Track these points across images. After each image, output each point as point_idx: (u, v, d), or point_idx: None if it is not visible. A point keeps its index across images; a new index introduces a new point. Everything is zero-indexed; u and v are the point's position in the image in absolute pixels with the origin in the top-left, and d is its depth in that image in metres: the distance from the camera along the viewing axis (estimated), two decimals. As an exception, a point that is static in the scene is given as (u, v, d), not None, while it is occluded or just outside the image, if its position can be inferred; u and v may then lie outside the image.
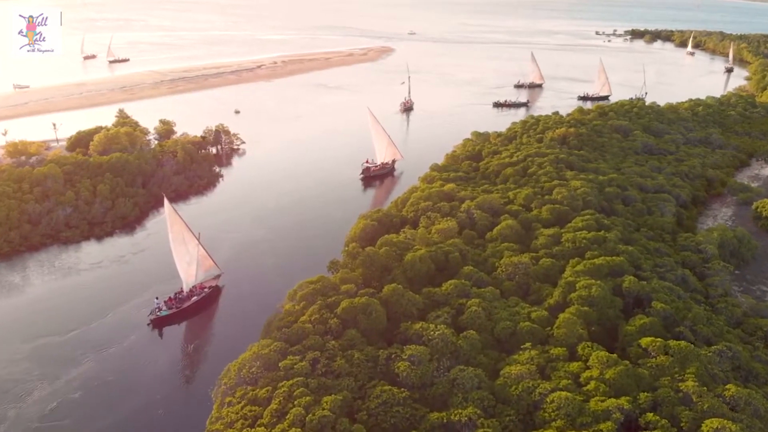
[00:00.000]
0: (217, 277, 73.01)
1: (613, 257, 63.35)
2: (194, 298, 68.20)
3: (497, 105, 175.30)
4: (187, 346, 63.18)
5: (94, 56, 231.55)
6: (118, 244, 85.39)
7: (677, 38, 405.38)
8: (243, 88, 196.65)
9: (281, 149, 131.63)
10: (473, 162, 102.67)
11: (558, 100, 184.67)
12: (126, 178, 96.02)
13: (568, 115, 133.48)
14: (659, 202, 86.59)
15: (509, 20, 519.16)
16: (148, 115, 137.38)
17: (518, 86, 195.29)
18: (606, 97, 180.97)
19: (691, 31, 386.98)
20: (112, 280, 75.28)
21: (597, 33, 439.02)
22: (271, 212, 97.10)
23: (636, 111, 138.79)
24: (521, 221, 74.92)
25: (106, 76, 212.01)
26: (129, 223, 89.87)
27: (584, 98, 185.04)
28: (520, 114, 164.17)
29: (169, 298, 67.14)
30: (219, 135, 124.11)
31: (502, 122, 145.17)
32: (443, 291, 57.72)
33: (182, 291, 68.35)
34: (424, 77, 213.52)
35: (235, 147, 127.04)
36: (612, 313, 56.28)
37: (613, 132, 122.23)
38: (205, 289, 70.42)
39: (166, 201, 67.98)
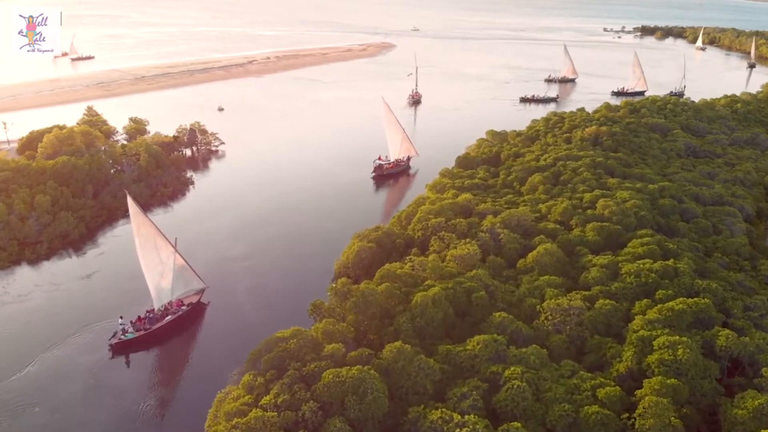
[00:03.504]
0: (200, 292, 60.32)
1: (696, 299, 46.67)
2: (168, 318, 55.98)
3: (525, 100, 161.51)
4: (140, 395, 47.70)
5: (65, 54, 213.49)
6: (55, 269, 68.79)
7: (690, 35, 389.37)
8: (231, 84, 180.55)
9: (268, 150, 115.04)
10: (491, 166, 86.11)
11: (589, 95, 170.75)
12: (73, 188, 79.37)
13: (596, 111, 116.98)
14: (724, 217, 69.99)
15: (509, 18, 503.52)
16: (122, 113, 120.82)
17: (549, 80, 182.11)
18: (642, 93, 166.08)
19: (703, 28, 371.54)
20: (43, 316, 59.15)
21: (605, 30, 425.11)
22: (254, 224, 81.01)
23: (670, 108, 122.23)
24: (562, 244, 58.30)
25: (82, 72, 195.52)
26: (72, 243, 73.11)
27: (618, 93, 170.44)
28: (542, 110, 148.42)
29: (138, 317, 54.86)
30: (194, 134, 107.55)
31: (518, 119, 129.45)
32: (468, 352, 41.04)
33: (153, 310, 55.98)
34: (429, 71, 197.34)
35: (213, 148, 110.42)
36: (707, 385, 39.65)
37: (650, 131, 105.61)
38: (183, 307, 57.79)
39: (129, 200, 54.45)
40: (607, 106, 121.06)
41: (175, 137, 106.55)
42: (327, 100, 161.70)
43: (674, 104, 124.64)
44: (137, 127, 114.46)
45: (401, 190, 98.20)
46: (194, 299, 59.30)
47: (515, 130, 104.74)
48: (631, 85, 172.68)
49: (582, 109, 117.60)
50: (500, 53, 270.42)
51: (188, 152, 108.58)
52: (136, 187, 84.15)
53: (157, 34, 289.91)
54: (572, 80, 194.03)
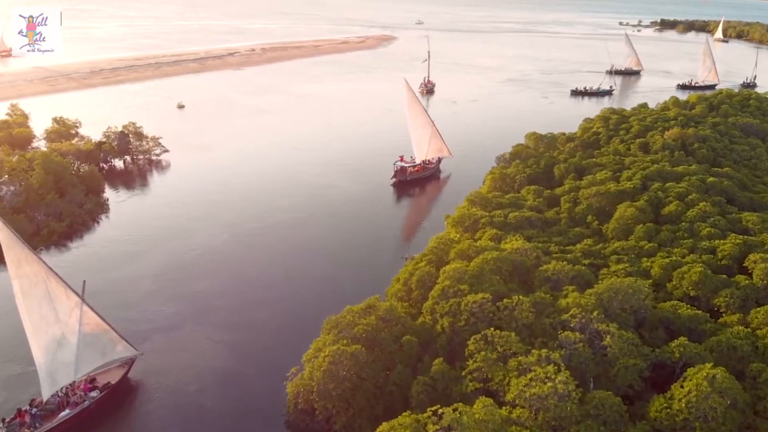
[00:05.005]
0: (126, 364, 39.04)
1: None
2: (65, 414, 34.21)
3: (576, 93, 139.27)
4: None
5: (8, 50, 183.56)
6: None
7: (713, 28, 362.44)
8: (203, 78, 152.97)
9: (233, 158, 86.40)
10: (542, 187, 57.84)
11: (647, 89, 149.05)
12: None
13: (663, 108, 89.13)
14: None
15: (511, 12, 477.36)
16: (60, 112, 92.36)
17: (610, 72, 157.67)
18: (713, 86, 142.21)
19: (722, 20, 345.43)
20: None
21: (621, 23, 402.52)
22: (196, 270, 54.18)
23: (755, 104, 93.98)
24: (723, 356, 30.27)
25: (32, 66, 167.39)
26: None
27: (686, 87, 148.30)
28: (589, 106, 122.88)
29: (18, 412, 33.29)
30: (125, 140, 79.49)
31: (557, 115, 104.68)
32: None
33: (41, 400, 34.28)
34: (439, 62, 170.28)
35: (154, 157, 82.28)
36: None
37: (743, 135, 77.55)
38: (93, 393, 36.20)
39: None
40: (676, 102, 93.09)
41: (99, 144, 78.64)
42: (319, 94, 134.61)
43: (758, 99, 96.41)
44: (61, 130, 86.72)
45: (430, 204, 73.15)
46: (116, 376, 37.70)
47: (564, 133, 76.80)
48: (701, 78, 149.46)
49: (645, 105, 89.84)
50: (512, 45, 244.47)
51: (120, 163, 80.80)
52: (15, 221, 56.25)
53: (131, 28, 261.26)
54: (636, 72, 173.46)
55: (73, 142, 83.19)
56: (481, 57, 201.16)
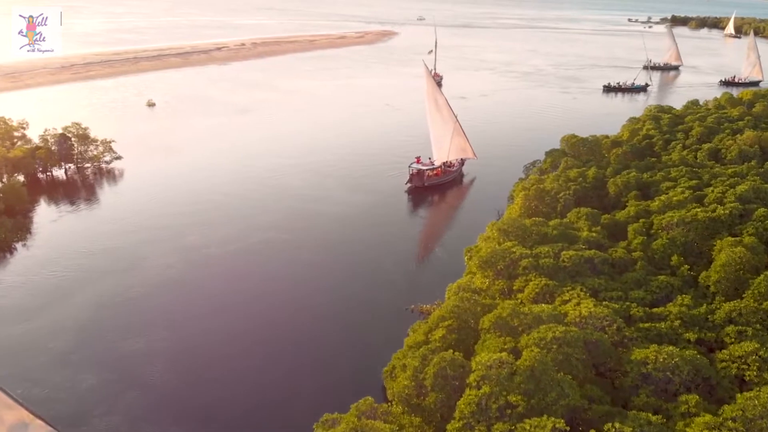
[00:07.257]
0: None
1: None
2: None
3: (609, 89, 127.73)
4: None
5: None
6: None
7: (726, 25, 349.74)
8: (183, 73, 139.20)
9: (202, 164, 72.08)
10: (597, 209, 43.13)
11: (685, 85, 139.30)
12: None
13: (718, 107, 74.75)
14: None
15: (514, 9, 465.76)
16: (16, 110, 78.11)
17: (647, 67, 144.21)
18: (757, 83, 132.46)
19: (733, 16, 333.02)
20: None
21: (630, 20, 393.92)
22: (129, 323, 40.67)
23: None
24: None
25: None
26: None
27: (729, 83, 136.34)
28: (621, 103, 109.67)
29: None
30: (66, 145, 64.80)
31: (583, 112, 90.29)
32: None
33: None
34: (445, 56, 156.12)
35: (104, 165, 67.63)
36: None
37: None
38: None
39: None
40: (730, 99, 78.73)
41: (34, 149, 63.99)
42: (312, 90, 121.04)
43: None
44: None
45: (451, 220, 59.35)
46: None
47: (607, 136, 62.21)
48: (745, 74, 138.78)
49: (695, 103, 75.56)
50: (520, 40, 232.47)
51: (61, 173, 66.21)
52: None
53: (117, 23, 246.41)
54: (675, 68, 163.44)
55: (17, 145, 68.82)
56: (489, 52, 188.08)
